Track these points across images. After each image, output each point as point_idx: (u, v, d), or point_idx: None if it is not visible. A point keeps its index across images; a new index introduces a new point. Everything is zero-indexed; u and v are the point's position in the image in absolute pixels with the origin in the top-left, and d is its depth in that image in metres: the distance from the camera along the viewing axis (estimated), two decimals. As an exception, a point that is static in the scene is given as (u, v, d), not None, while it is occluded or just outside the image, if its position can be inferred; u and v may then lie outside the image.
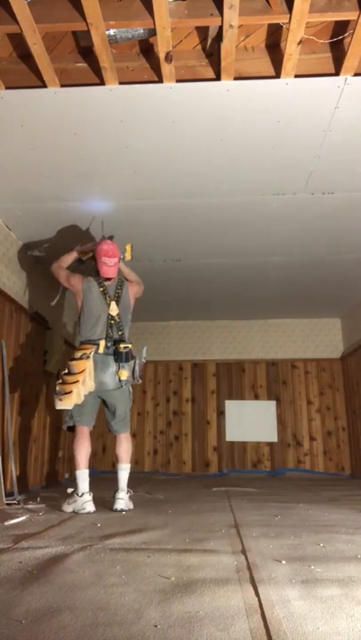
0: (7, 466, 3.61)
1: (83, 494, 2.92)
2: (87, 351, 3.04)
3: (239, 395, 6.63)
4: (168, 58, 2.34)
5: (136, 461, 6.38)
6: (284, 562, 1.64)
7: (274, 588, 1.35)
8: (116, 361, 3.07)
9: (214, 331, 6.84)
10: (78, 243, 3.54)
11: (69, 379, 2.95)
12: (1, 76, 2.49)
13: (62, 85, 2.52)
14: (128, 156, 3.08)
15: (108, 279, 3.26)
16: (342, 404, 6.48)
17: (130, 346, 3.09)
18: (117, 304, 3.21)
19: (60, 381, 2.96)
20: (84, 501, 2.89)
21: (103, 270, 3.21)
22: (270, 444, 6.41)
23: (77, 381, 2.91)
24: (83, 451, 3.07)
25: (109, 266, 3.21)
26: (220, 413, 6.57)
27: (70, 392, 2.88)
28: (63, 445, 5.24)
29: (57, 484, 4.88)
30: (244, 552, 1.79)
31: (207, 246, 4.44)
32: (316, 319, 6.76)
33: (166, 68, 2.40)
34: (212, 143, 2.95)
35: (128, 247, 3.47)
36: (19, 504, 3.21)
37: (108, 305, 3.18)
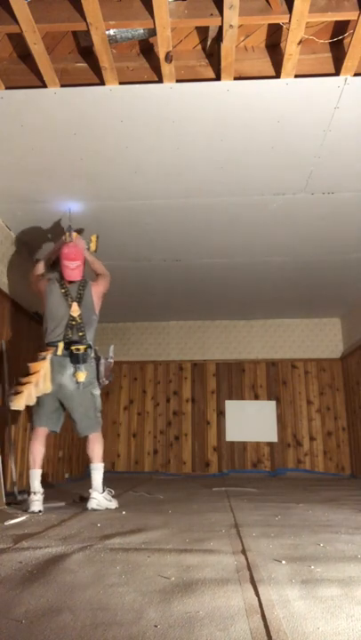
0: (7, 466, 3.61)
1: (32, 493, 2.93)
2: (44, 353, 3.05)
3: (239, 395, 6.62)
4: (168, 58, 2.34)
5: (136, 461, 6.39)
6: (284, 562, 1.64)
7: (274, 588, 1.35)
8: (71, 362, 3.04)
9: (214, 331, 6.84)
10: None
11: (23, 380, 2.97)
12: (1, 76, 2.49)
13: (62, 85, 2.52)
14: (128, 156, 3.08)
15: (72, 282, 3.24)
16: (342, 404, 6.48)
17: (82, 348, 3.04)
18: (79, 305, 3.17)
19: (16, 382, 2.99)
20: (32, 500, 2.90)
21: (66, 274, 3.21)
22: (270, 444, 6.41)
23: (29, 382, 2.93)
24: (35, 452, 3.07)
25: (72, 269, 3.20)
26: (220, 413, 6.57)
27: (21, 392, 2.89)
28: (63, 445, 5.24)
29: (57, 483, 4.87)
30: (244, 552, 1.79)
31: (207, 246, 4.44)
32: (316, 319, 6.76)
33: (166, 68, 2.40)
34: (212, 143, 2.95)
35: (93, 238, 3.50)
36: (19, 504, 3.21)
37: (70, 306, 3.15)
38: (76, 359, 3.02)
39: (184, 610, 1.18)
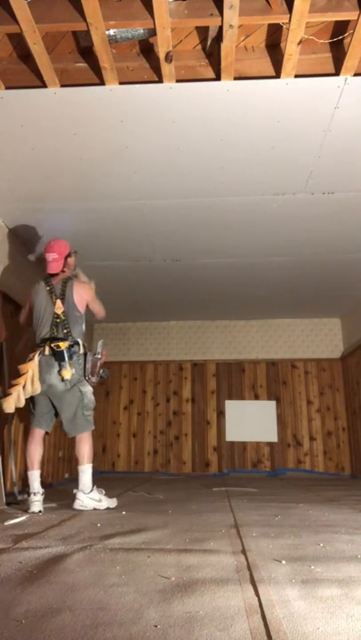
0: (7, 466, 3.61)
1: (32, 494, 2.93)
2: (32, 354, 3.06)
3: (239, 395, 6.63)
4: (168, 58, 2.34)
5: (136, 461, 6.39)
6: (284, 562, 1.64)
7: (274, 588, 1.35)
8: (55, 360, 3.02)
9: (214, 331, 6.84)
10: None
11: (13, 382, 2.99)
12: (1, 76, 2.49)
13: (62, 85, 2.52)
14: (128, 156, 3.08)
15: (53, 275, 3.24)
16: (342, 404, 6.48)
17: (62, 345, 3.00)
18: (62, 302, 3.16)
19: (8, 384, 3.01)
20: (32, 501, 2.89)
21: (47, 266, 3.25)
22: (270, 444, 6.41)
23: (18, 384, 2.94)
24: (32, 453, 3.07)
25: (49, 261, 3.23)
26: (220, 413, 6.57)
27: (10, 394, 2.91)
28: (63, 445, 5.24)
29: (57, 483, 4.87)
30: (244, 552, 1.79)
31: (207, 246, 4.44)
32: (316, 319, 6.76)
33: (166, 68, 2.40)
34: (212, 143, 2.95)
35: (93, 285, 3.45)
36: (19, 504, 3.21)
37: (54, 303, 3.15)
38: (59, 356, 3.00)
39: (184, 610, 1.18)
